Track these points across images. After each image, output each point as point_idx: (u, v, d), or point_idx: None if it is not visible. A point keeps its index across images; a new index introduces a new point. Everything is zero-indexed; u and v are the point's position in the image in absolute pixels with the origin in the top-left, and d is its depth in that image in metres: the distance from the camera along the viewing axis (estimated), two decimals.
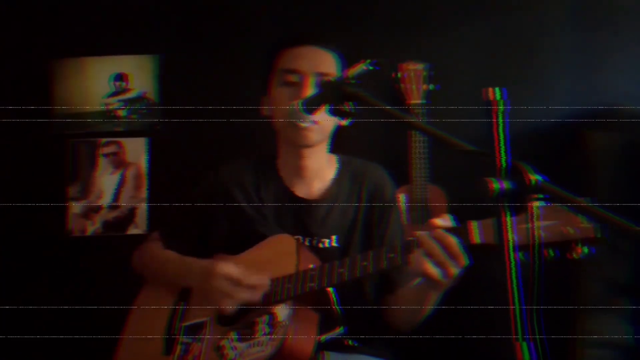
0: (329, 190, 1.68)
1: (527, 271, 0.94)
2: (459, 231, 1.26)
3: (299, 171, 1.68)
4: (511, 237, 0.84)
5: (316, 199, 1.67)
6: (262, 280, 1.47)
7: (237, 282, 1.47)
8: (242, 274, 1.48)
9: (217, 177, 1.74)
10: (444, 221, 1.28)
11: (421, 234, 1.28)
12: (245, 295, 1.46)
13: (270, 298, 1.46)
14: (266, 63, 1.69)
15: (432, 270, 1.25)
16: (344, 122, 1.64)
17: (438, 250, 1.24)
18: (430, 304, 1.46)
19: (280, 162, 1.72)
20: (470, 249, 1.25)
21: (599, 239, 1.13)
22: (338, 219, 1.65)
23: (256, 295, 1.46)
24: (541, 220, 1.13)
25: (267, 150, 1.77)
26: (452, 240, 1.24)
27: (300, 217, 1.64)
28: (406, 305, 1.56)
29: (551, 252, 1.15)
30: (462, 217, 1.31)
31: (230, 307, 1.48)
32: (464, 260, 1.25)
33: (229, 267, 1.50)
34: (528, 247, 1.11)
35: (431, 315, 1.52)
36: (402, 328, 1.61)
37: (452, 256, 1.24)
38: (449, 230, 1.26)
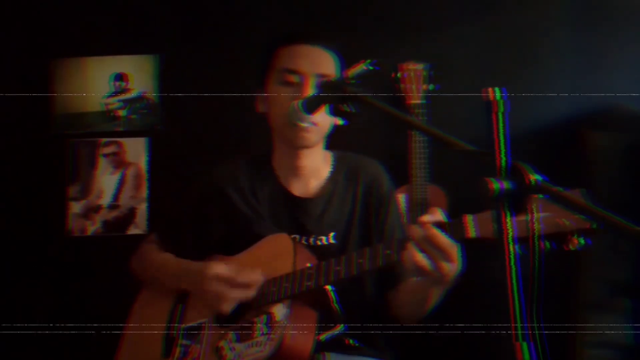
0: (325, 188, 1.67)
1: (526, 265, 0.94)
2: (454, 226, 1.25)
3: (295, 170, 1.67)
4: (510, 230, 0.84)
5: (312, 197, 1.66)
6: (254, 277, 1.47)
7: (229, 282, 1.47)
8: (234, 273, 1.48)
9: (211, 178, 1.73)
10: (432, 216, 1.28)
11: (413, 228, 1.27)
12: (239, 294, 1.46)
13: (268, 298, 1.46)
14: (264, 59, 1.68)
15: (423, 262, 1.24)
16: (340, 122, 1.63)
17: (426, 243, 1.24)
18: (432, 300, 1.46)
19: (275, 161, 1.71)
20: (466, 243, 1.24)
21: (595, 230, 1.13)
22: (335, 215, 1.64)
23: (250, 292, 1.46)
24: (538, 213, 1.14)
25: (262, 149, 1.76)
26: (437, 233, 1.22)
27: (297, 216, 1.64)
28: (408, 300, 1.55)
29: (547, 244, 1.15)
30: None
31: (226, 308, 1.48)
32: (456, 255, 1.24)
33: (219, 268, 1.49)
34: (525, 239, 1.11)
35: (431, 315, 1.52)
36: (405, 322, 1.61)
37: (440, 249, 1.23)
38: (444, 224, 1.26)
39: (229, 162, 1.76)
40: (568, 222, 1.14)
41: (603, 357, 2.23)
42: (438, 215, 1.28)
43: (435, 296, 1.44)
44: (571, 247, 1.15)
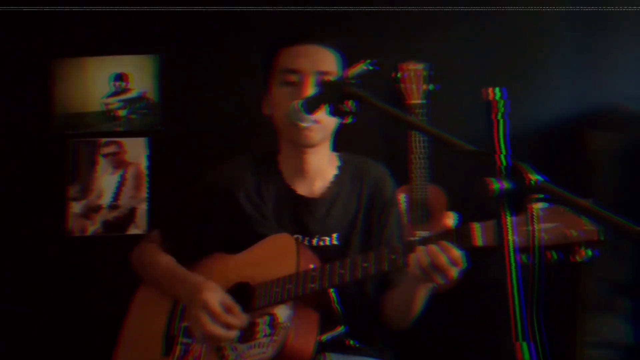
0: (330, 189, 1.68)
1: (528, 273, 0.94)
2: (461, 233, 1.26)
3: (300, 170, 1.68)
4: (512, 239, 0.84)
5: (317, 198, 1.66)
6: (239, 321, 1.46)
7: (214, 316, 1.45)
8: (224, 308, 1.46)
9: (217, 176, 1.73)
10: (452, 220, 1.30)
11: (422, 235, 1.29)
12: (218, 332, 1.44)
13: (271, 299, 1.46)
14: (266, 61, 1.69)
15: (445, 265, 1.26)
16: (347, 121, 1.63)
17: (442, 258, 1.25)
18: (418, 302, 1.47)
19: (281, 161, 1.72)
20: (472, 250, 1.25)
21: (603, 242, 1.13)
22: (339, 217, 1.64)
23: (229, 335, 1.45)
24: (543, 223, 1.13)
25: (268, 149, 1.76)
26: (448, 247, 1.25)
27: (301, 216, 1.64)
28: (395, 303, 1.56)
29: (554, 255, 1.15)
30: (462, 217, 1.31)
31: (200, 339, 1.48)
32: (463, 263, 1.25)
33: (211, 296, 1.47)
34: (529, 249, 1.11)
35: (432, 315, 1.52)
36: (396, 326, 1.61)
37: (453, 262, 1.25)
38: (451, 232, 1.27)
39: (235, 160, 1.76)
40: (576, 234, 1.13)
41: (603, 357, 2.23)
42: (451, 220, 1.30)
43: (421, 298, 1.45)
44: (578, 258, 1.14)
